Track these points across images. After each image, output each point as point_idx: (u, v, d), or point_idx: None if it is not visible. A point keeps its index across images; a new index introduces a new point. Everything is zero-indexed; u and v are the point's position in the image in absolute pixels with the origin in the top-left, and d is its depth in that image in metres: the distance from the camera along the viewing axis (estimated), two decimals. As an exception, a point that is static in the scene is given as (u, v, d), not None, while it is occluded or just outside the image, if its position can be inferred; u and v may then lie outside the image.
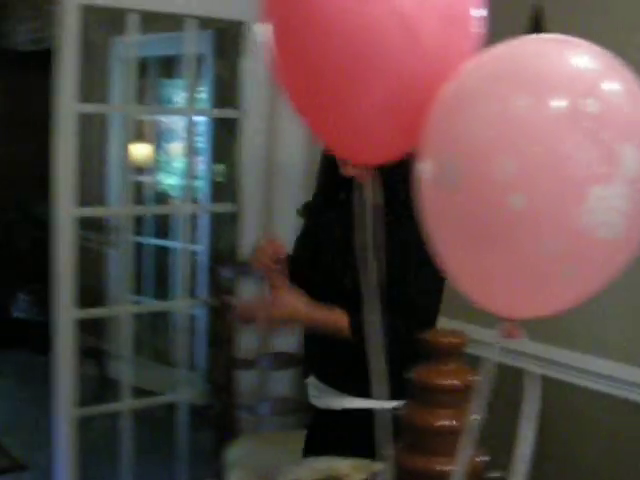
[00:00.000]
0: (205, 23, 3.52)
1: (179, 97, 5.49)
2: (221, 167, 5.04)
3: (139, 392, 3.53)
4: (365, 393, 2.36)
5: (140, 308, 4.68)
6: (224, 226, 4.24)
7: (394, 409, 1.61)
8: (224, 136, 4.79)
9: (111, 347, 5.07)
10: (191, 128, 3.68)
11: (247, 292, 3.00)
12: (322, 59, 1.26)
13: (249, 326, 2.65)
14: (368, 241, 1.42)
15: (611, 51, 1.23)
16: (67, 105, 2.94)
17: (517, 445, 1.31)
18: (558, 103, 1.14)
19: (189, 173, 3.63)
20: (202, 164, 5.01)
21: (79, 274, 3.06)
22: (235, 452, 2.75)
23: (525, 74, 1.18)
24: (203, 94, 4.84)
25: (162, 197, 5.65)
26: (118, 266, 5.02)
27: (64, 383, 3.05)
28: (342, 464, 2.08)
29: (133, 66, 3.26)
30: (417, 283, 2.28)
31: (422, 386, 1.62)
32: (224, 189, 4.94)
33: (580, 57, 1.21)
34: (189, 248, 3.45)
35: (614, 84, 1.18)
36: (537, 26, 2.68)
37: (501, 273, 1.22)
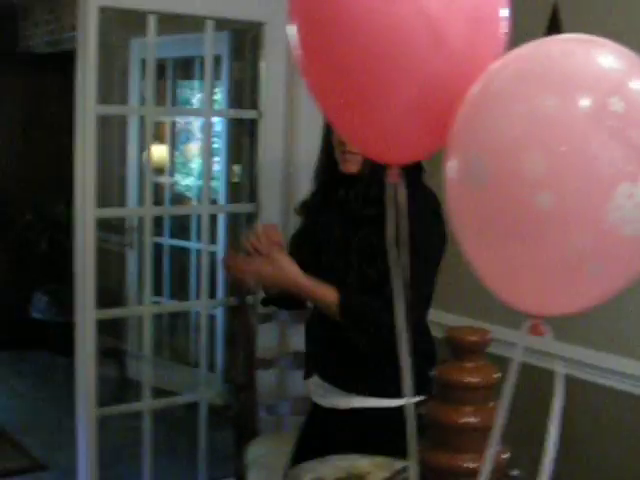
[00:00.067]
0: (221, 24, 3.53)
1: (195, 98, 5.52)
2: (237, 168, 5.06)
3: (159, 392, 3.55)
4: (374, 392, 2.37)
5: (160, 308, 4.70)
6: (241, 227, 4.25)
7: (416, 406, 1.61)
8: (240, 137, 4.81)
9: (131, 348, 5.10)
10: (208, 129, 3.70)
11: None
12: (348, 59, 1.27)
13: (234, 277, 2.63)
14: (402, 240, 1.43)
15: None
16: (87, 107, 2.95)
17: (545, 445, 1.31)
18: (584, 102, 1.15)
19: (207, 174, 3.64)
20: (218, 165, 5.02)
21: (98, 275, 3.07)
22: (255, 452, 2.76)
23: (551, 74, 1.19)
24: (219, 95, 4.85)
25: (179, 198, 5.67)
26: (137, 267, 5.05)
27: (85, 383, 3.06)
28: (364, 462, 2.10)
29: (152, 67, 3.25)
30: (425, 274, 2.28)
31: (445, 383, 1.63)
32: (240, 189, 4.96)
33: (605, 56, 1.21)
34: (208, 248, 3.46)
35: (639, 83, 1.19)
36: (554, 26, 2.68)
37: (528, 271, 1.22)
